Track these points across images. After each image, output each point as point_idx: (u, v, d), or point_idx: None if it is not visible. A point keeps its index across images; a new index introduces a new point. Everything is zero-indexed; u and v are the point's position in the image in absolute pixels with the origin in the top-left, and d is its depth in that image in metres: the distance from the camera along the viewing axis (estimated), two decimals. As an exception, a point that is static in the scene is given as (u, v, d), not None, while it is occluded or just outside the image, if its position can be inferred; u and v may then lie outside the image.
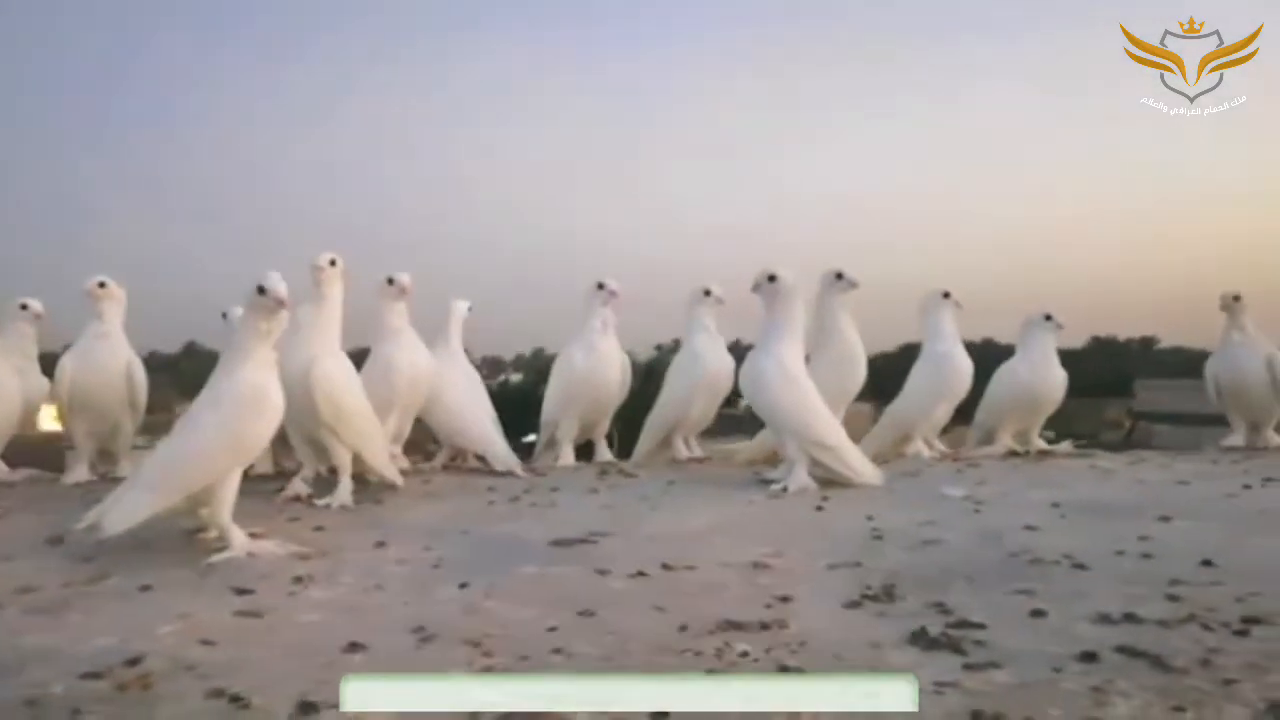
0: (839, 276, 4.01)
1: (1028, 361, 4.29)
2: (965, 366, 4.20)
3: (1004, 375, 4.35)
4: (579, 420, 4.24)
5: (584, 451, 4.44)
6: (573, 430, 4.23)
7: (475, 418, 4.17)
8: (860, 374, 4.01)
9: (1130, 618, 1.80)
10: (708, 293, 4.32)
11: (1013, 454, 4.23)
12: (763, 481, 3.46)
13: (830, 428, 3.43)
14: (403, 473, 3.92)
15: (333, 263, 3.32)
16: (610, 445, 4.47)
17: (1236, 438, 4.52)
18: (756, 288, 3.62)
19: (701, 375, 4.21)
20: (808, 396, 3.45)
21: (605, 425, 4.37)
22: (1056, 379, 4.28)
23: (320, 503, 3.17)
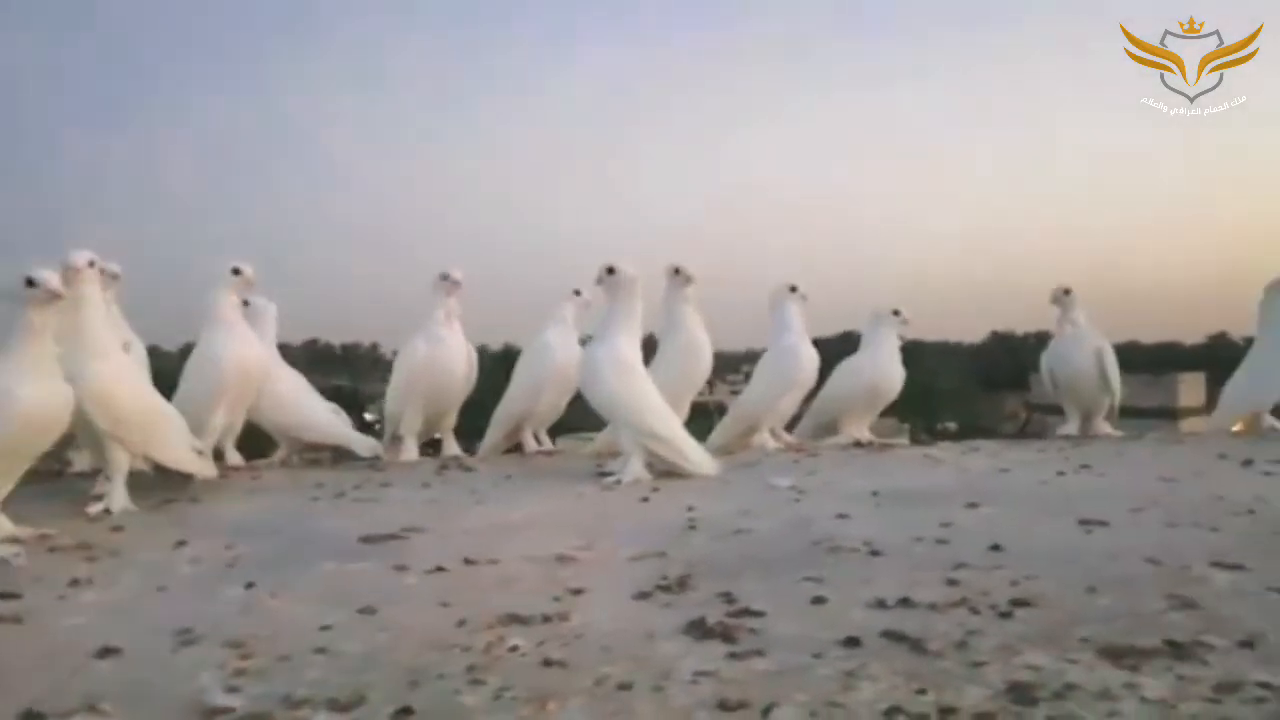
0: (676, 271, 4.08)
1: (871, 356, 4.38)
2: (809, 359, 4.26)
3: (847, 369, 4.44)
4: (423, 413, 4.13)
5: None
6: (416, 423, 4.12)
7: (314, 409, 4.07)
8: (703, 366, 4.04)
9: (905, 602, 1.82)
10: (577, 292, 4.35)
11: (856, 445, 4.32)
12: (601, 474, 3.44)
13: (663, 419, 3.43)
14: (233, 468, 3.77)
15: (91, 264, 3.12)
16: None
17: (1070, 427, 4.71)
18: (599, 281, 3.61)
19: (549, 368, 4.17)
20: (642, 388, 3.44)
21: (452, 419, 4.28)
22: (897, 374, 4.39)
23: (93, 510, 2.93)
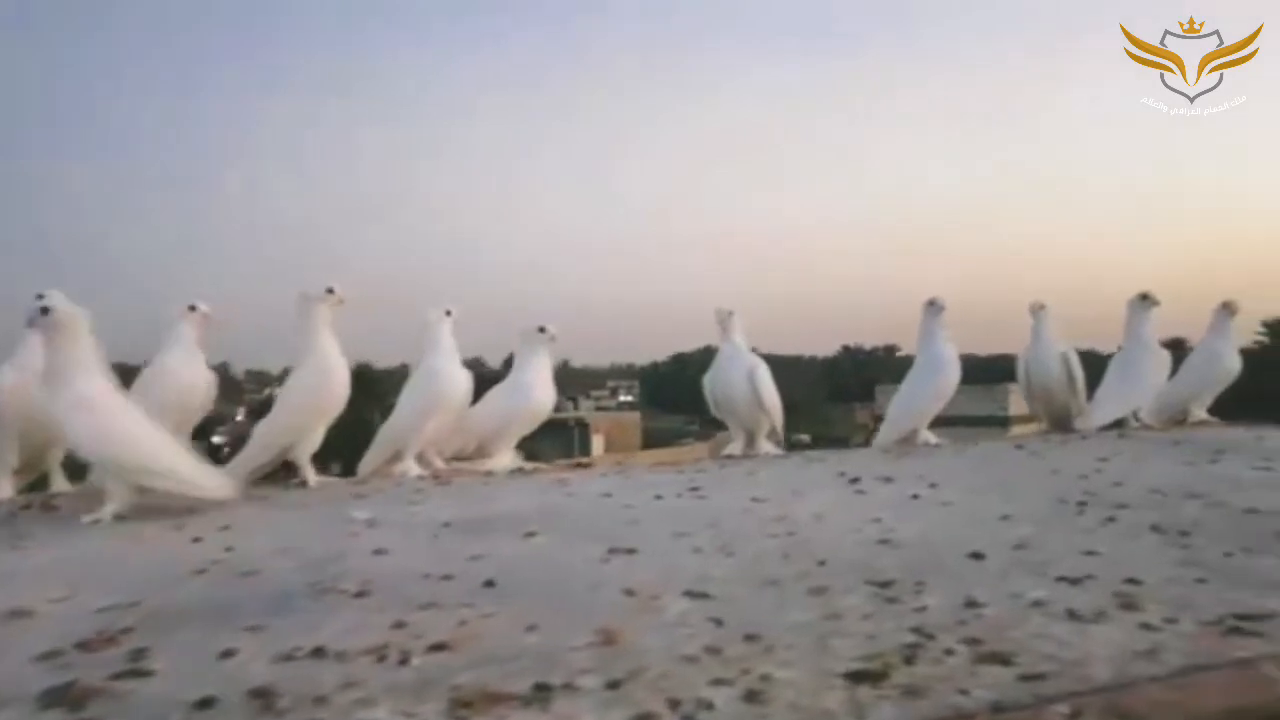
0: (330, 291, 3.86)
1: (521, 377, 4.29)
2: (457, 381, 4.12)
3: (502, 393, 4.32)
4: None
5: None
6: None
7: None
8: (336, 389, 3.81)
9: (317, 653, 1.67)
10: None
11: (520, 470, 4.21)
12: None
13: (155, 452, 3.12)
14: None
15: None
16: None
17: (735, 447, 4.81)
18: (30, 323, 3.20)
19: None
20: (121, 425, 3.11)
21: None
22: (549, 396, 4.32)
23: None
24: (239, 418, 25.93)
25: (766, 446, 4.73)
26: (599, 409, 50.29)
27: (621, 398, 60.91)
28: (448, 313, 4.19)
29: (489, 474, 4.00)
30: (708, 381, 4.81)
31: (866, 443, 9.02)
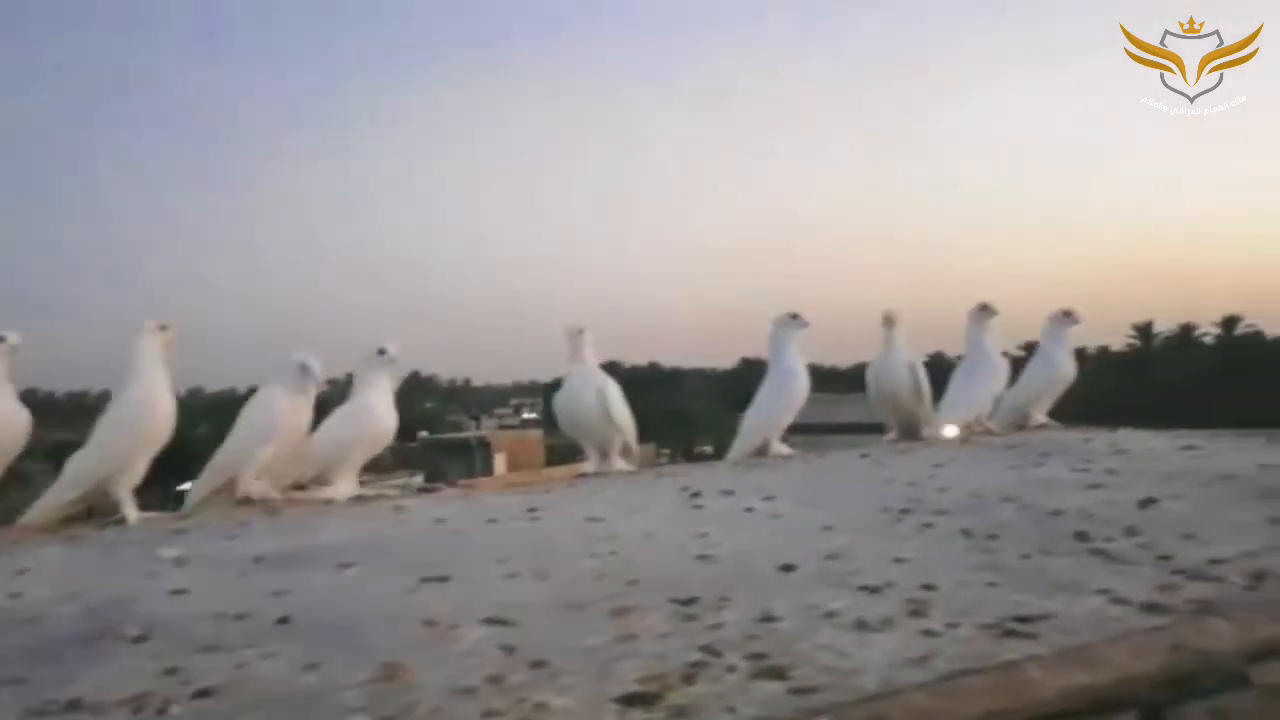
0: (163, 328, 3.72)
1: (363, 400, 4.16)
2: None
3: (346, 416, 4.18)
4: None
5: None
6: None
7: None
8: (157, 420, 3.62)
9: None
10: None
11: (360, 497, 4.07)
12: None
13: None
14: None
15: None
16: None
17: (589, 465, 4.79)
18: None
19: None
20: None
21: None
22: (391, 419, 4.21)
23: None
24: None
25: (620, 463, 4.72)
26: (502, 428, 49.76)
27: (525, 415, 60.29)
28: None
29: (328, 502, 3.85)
30: (557, 401, 4.77)
31: (759, 453, 9.18)
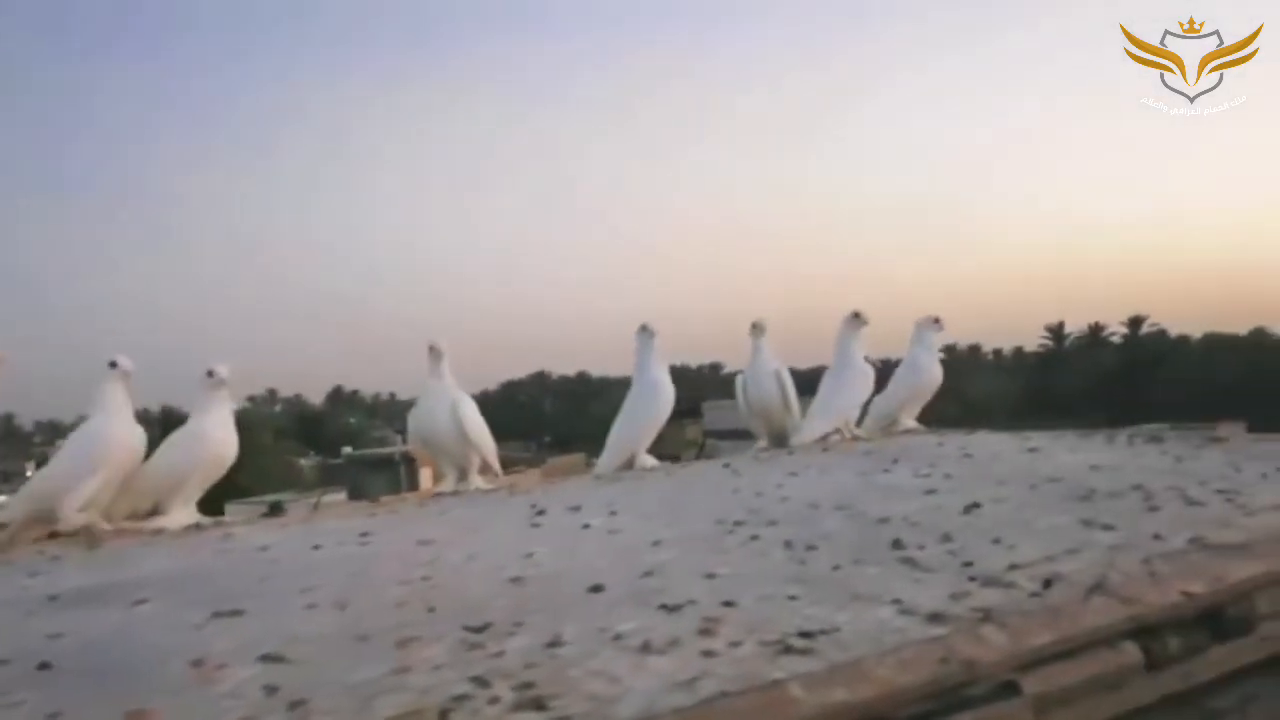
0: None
1: (201, 424, 3.99)
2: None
3: (179, 442, 4.00)
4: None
5: None
6: None
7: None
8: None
9: None
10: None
11: (196, 526, 3.89)
12: None
13: None
14: None
15: None
16: None
17: (448, 483, 4.70)
18: None
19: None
20: None
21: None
22: (230, 443, 4.05)
23: None
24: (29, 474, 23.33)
25: (478, 481, 4.64)
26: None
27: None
28: (113, 365, 3.82)
29: (158, 532, 3.67)
30: (412, 418, 4.67)
31: (697, 457, 9.23)
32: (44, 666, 1.89)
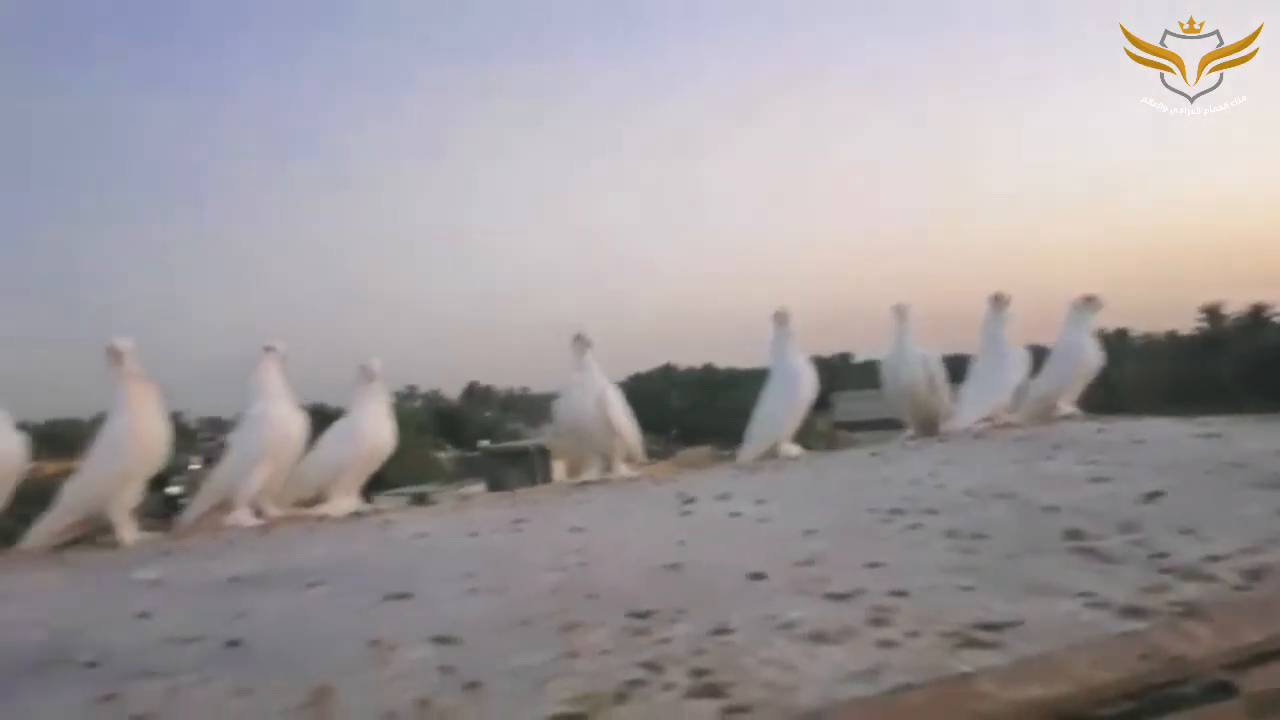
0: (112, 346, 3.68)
1: (359, 418, 4.13)
2: (289, 425, 3.97)
3: (338, 435, 4.16)
4: None
5: None
6: None
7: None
8: (145, 446, 3.60)
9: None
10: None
11: (357, 514, 4.04)
12: None
13: None
14: None
15: None
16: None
17: (593, 472, 4.73)
18: None
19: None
20: None
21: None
22: (387, 436, 4.18)
23: None
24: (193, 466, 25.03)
25: (624, 470, 4.64)
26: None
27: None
28: (268, 349, 3.99)
29: (322, 519, 3.82)
30: (557, 410, 4.72)
31: (827, 449, 9.10)
32: (233, 644, 1.98)
